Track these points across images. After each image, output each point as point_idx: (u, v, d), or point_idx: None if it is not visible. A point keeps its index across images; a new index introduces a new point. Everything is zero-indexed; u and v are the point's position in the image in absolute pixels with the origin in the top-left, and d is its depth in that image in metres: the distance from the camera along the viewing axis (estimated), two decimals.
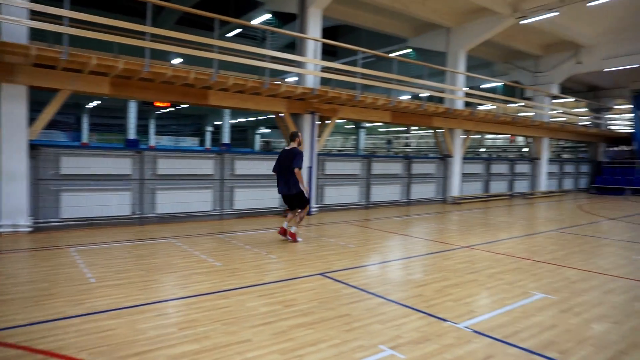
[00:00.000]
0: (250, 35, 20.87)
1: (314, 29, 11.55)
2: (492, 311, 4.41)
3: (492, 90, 20.62)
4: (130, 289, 4.82)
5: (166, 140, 41.40)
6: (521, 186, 19.46)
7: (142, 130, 39.39)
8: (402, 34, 17.98)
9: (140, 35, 8.13)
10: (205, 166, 10.21)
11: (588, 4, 13.25)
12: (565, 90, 23.16)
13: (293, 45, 12.24)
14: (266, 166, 11.13)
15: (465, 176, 16.61)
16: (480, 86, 21.38)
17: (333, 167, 12.59)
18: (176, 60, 17.35)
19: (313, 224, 10.05)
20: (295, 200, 7.66)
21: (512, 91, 19.84)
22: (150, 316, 4.03)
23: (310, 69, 11.24)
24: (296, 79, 12.11)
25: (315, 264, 6.19)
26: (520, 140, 28.57)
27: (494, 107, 17.19)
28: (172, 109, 40.33)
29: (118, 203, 8.97)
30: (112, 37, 7.66)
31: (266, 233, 8.66)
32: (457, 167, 15.89)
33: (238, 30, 20.35)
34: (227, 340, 3.56)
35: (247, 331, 3.75)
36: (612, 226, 10.95)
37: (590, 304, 4.71)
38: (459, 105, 15.38)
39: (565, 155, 27.30)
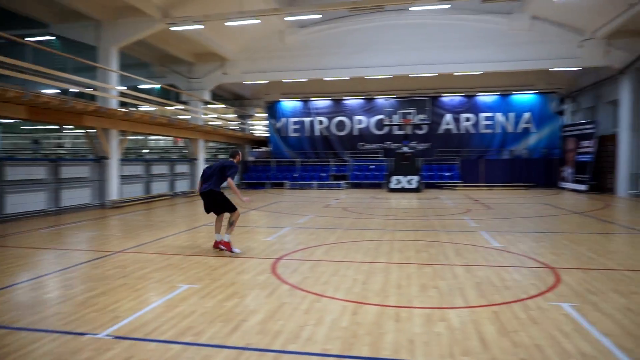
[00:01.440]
0: None
1: None
2: (136, 312, 4.42)
3: (149, 91, 20.78)
4: None
5: None
6: (182, 185, 20.45)
7: None
8: (42, 17, 15.72)
9: None
10: None
11: (226, 23, 15.15)
12: (217, 97, 25.81)
13: None
14: None
15: (125, 178, 16.07)
16: (139, 86, 21.13)
17: None
18: None
19: None
20: (218, 200, 7.23)
21: (168, 94, 20.52)
22: None
23: None
24: None
25: None
26: (183, 142, 29.99)
27: (153, 108, 17.36)
28: None
29: None
30: None
31: None
32: (114, 169, 15.14)
33: None
34: None
35: None
36: (257, 215, 12.93)
37: (225, 285, 5.40)
38: (114, 104, 14.72)
39: (221, 156, 30.43)
